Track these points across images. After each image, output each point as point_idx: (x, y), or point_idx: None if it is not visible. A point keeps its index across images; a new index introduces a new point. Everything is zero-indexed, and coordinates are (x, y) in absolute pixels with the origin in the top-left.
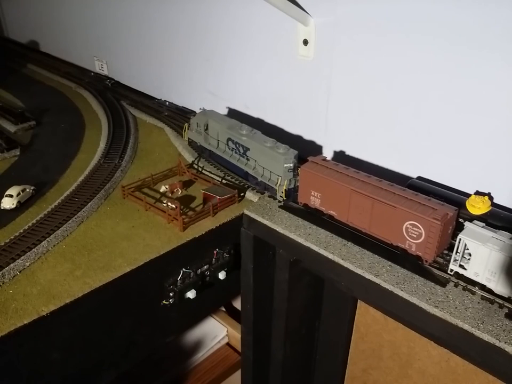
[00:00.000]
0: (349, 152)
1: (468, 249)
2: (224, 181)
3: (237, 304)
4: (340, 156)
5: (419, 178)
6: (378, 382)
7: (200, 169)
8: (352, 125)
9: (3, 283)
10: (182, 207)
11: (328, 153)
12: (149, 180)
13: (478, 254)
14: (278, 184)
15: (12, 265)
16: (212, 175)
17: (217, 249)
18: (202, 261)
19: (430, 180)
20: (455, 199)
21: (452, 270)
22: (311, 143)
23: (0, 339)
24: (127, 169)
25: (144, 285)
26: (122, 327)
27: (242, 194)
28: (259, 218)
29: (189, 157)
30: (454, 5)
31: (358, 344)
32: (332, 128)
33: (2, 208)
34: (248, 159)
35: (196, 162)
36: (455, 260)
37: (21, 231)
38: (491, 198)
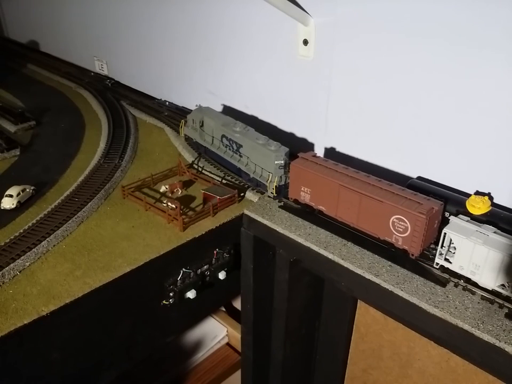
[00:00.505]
0: (349, 152)
1: (453, 243)
2: (224, 181)
3: (237, 304)
4: (339, 156)
5: (419, 178)
6: (378, 382)
7: (200, 169)
8: (352, 125)
9: (3, 283)
10: (182, 207)
11: (328, 153)
12: (149, 180)
13: (462, 248)
14: (268, 181)
15: (12, 265)
16: (212, 175)
17: (217, 249)
18: (202, 261)
19: (430, 180)
20: (455, 199)
21: (437, 264)
22: (311, 143)
23: (0, 339)
24: (127, 169)
25: (144, 285)
26: (122, 327)
27: (242, 194)
28: (259, 218)
29: (189, 157)
30: (454, 4)
31: (358, 344)
32: (331, 128)
33: (2, 208)
34: (241, 156)
35: (196, 162)
36: (441, 254)
37: (21, 231)
38: (491, 198)
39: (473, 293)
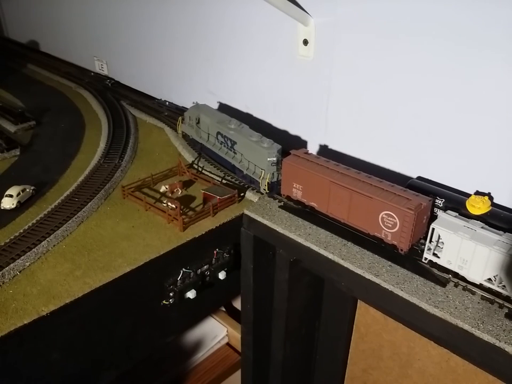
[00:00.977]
0: (349, 152)
1: (441, 238)
2: (224, 181)
3: (237, 304)
4: (339, 156)
5: (419, 178)
6: (378, 382)
7: (200, 169)
8: (352, 125)
9: (3, 283)
10: (182, 207)
11: (328, 153)
12: (149, 180)
13: (450, 243)
14: (261, 177)
15: (12, 265)
16: (212, 175)
17: (217, 249)
18: (202, 261)
19: (430, 180)
20: (455, 199)
21: (426, 259)
22: (311, 143)
23: (0, 339)
24: (127, 169)
25: (144, 285)
26: (123, 327)
27: (242, 194)
28: (259, 218)
29: (189, 157)
30: (454, 4)
31: (358, 344)
32: (331, 128)
33: (2, 208)
34: (235, 153)
35: (195, 162)
36: (429, 249)
37: (21, 231)
38: (491, 198)
39: (473, 293)
